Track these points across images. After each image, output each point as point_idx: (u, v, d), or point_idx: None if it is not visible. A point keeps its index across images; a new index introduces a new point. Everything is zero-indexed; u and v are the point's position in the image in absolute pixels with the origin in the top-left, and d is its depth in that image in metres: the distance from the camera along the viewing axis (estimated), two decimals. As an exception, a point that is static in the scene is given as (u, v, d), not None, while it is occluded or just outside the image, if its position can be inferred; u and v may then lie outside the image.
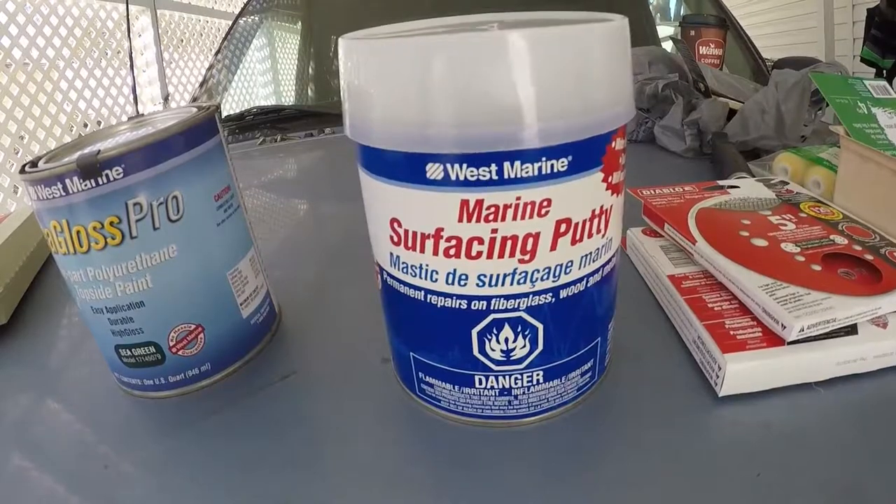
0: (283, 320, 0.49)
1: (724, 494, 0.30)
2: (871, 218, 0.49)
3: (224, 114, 1.27)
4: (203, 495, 0.33)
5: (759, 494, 0.30)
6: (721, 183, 0.55)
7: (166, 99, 1.57)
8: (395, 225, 0.30)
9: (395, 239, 0.31)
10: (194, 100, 1.45)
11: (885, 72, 3.08)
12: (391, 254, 0.32)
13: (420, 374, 0.35)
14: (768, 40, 4.38)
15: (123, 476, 0.34)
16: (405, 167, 0.28)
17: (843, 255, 0.41)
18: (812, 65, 1.40)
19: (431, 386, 0.35)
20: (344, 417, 0.37)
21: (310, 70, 1.60)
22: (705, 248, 0.42)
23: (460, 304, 0.31)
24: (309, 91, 1.62)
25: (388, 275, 0.33)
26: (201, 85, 1.45)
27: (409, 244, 0.30)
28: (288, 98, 1.71)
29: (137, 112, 1.34)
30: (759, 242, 0.43)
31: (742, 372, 0.34)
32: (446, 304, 0.31)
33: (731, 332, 0.36)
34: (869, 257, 0.41)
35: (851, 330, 0.36)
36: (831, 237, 0.44)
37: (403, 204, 0.29)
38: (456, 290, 0.31)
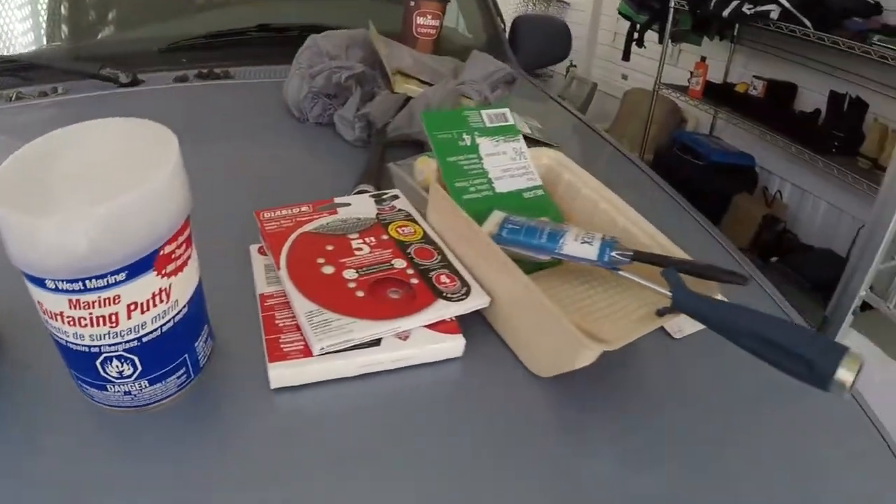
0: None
1: (272, 462, 0.53)
2: (446, 237, 0.72)
3: None
4: None
5: (289, 463, 0.52)
6: (337, 200, 0.76)
7: None
8: (40, 306, 0.50)
9: (42, 312, 0.50)
10: None
11: (638, 26, 3.49)
12: (44, 318, 0.51)
13: (80, 384, 0.55)
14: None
15: None
16: (39, 281, 0.47)
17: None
18: (550, 24, 1.67)
19: (86, 390, 0.55)
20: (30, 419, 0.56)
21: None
22: (283, 275, 0.63)
23: (84, 348, 0.51)
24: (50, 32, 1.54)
25: (49, 326, 0.52)
26: None
27: (49, 318, 0.49)
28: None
29: None
30: (328, 270, 0.64)
31: (283, 375, 0.57)
32: (78, 349, 0.51)
33: (282, 345, 0.58)
34: (415, 281, 0.64)
35: (376, 342, 0.60)
36: (393, 262, 0.66)
37: (41, 297, 0.48)
38: (80, 342, 0.50)
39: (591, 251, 0.67)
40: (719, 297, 0.68)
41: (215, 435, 0.55)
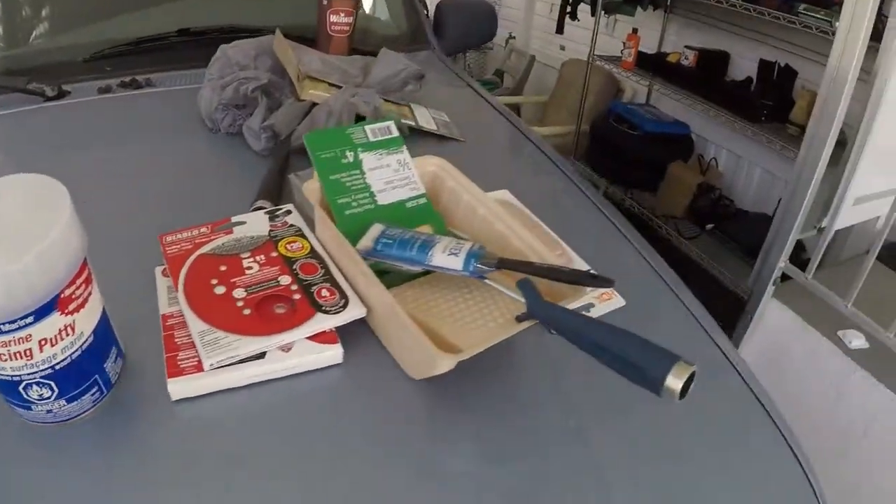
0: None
1: (173, 464, 0.64)
2: (330, 252, 0.82)
3: None
4: None
5: (187, 464, 0.64)
6: (234, 219, 0.86)
7: None
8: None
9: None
10: None
11: None
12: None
13: (10, 405, 0.65)
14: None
15: None
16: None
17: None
18: (474, 6, 1.73)
19: (15, 409, 0.66)
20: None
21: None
22: (181, 297, 0.74)
23: (7, 377, 0.61)
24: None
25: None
26: None
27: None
28: None
29: None
30: (220, 290, 0.74)
31: (180, 388, 0.67)
32: (2, 378, 0.61)
33: (179, 362, 0.69)
34: (297, 297, 0.75)
35: (261, 356, 0.70)
36: (279, 278, 0.77)
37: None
38: (2, 373, 0.60)
39: (456, 262, 0.76)
40: (579, 303, 0.78)
41: (126, 442, 0.66)
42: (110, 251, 0.69)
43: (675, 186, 3.05)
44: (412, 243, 0.78)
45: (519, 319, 0.73)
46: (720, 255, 2.69)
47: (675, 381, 0.57)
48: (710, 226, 2.88)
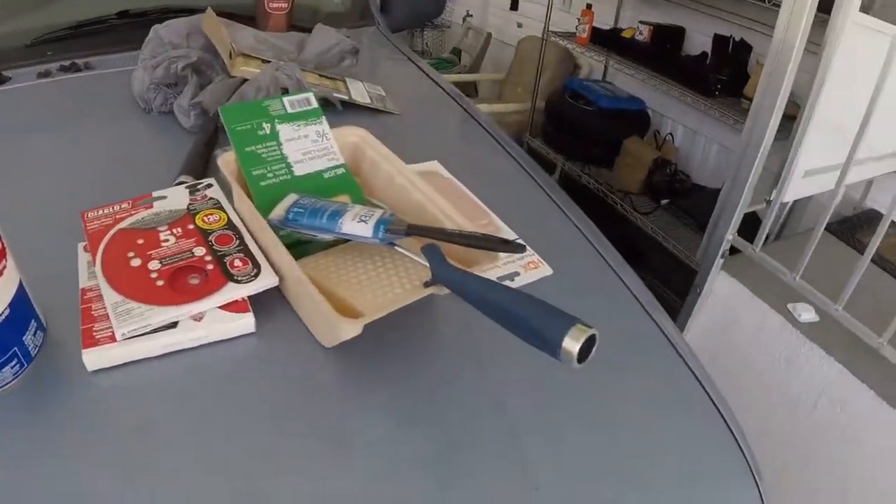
0: None
1: (90, 431, 0.67)
2: (247, 223, 0.86)
3: None
4: None
5: (103, 431, 0.68)
6: (155, 194, 0.89)
7: None
8: None
9: None
10: None
11: None
12: None
13: None
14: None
15: None
16: None
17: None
18: None
19: None
20: None
21: None
22: (98, 270, 0.77)
23: None
24: None
25: None
26: None
27: None
28: None
29: None
30: (135, 263, 0.78)
31: (94, 359, 0.71)
32: None
33: (94, 333, 0.72)
34: (210, 267, 0.78)
35: (173, 325, 0.74)
36: (194, 250, 0.80)
37: None
38: None
39: (366, 229, 0.79)
40: (502, 270, 0.80)
41: (46, 413, 0.69)
42: (38, 229, 0.71)
43: (631, 162, 3.11)
44: (323, 212, 0.81)
45: (426, 285, 0.76)
46: (676, 229, 2.74)
47: (572, 344, 0.57)
48: (665, 201, 2.94)
